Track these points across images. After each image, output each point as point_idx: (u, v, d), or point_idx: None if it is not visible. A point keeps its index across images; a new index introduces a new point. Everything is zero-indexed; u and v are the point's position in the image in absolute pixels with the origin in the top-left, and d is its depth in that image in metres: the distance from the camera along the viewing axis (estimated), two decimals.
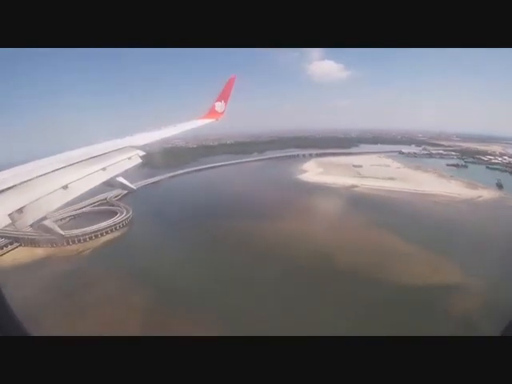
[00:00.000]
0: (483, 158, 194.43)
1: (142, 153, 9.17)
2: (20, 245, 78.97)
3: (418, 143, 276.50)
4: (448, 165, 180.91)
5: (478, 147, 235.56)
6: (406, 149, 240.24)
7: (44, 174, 5.54)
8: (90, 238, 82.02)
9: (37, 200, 4.88)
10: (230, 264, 63.74)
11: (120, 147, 8.78)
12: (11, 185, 4.81)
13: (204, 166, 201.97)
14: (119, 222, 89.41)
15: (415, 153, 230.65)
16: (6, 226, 4.22)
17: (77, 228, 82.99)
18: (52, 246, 77.40)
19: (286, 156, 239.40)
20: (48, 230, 5.36)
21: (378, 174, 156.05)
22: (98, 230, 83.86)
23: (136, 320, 46.03)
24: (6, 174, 5.32)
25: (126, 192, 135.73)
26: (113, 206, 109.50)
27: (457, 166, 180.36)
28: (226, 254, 68.49)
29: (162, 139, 11.52)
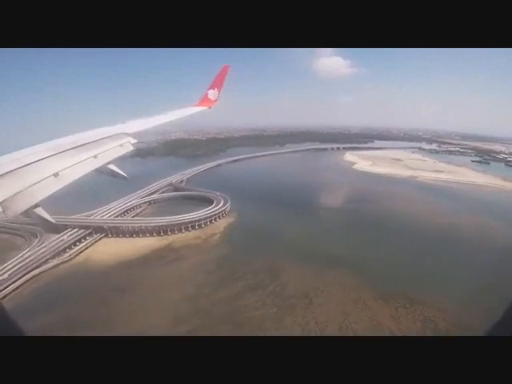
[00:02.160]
0: (498, 156, 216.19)
1: (133, 140, 8.90)
2: (105, 235, 74.20)
3: (421, 140, 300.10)
4: (473, 161, 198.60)
5: (482, 146, 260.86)
6: (418, 145, 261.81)
7: (34, 162, 5.44)
8: (205, 224, 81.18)
9: (27, 188, 4.80)
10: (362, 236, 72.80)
11: (111, 134, 8.57)
12: (1, 173, 4.73)
13: (243, 156, 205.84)
14: (225, 208, 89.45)
15: (435, 149, 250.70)
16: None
17: (156, 215, 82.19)
18: (138, 236, 74.02)
19: (316, 149, 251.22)
20: (39, 218, 5.21)
21: (424, 167, 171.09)
22: (210, 217, 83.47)
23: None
24: None
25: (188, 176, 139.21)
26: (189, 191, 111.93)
27: (480, 162, 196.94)
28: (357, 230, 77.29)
29: (154, 126, 11.24)
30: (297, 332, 40.30)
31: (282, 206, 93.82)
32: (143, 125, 10.73)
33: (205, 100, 16.40)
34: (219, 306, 46.53)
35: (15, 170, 4.98)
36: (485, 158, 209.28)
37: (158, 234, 75.58)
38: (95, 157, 6.93)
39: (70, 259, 63.90)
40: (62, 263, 61.99)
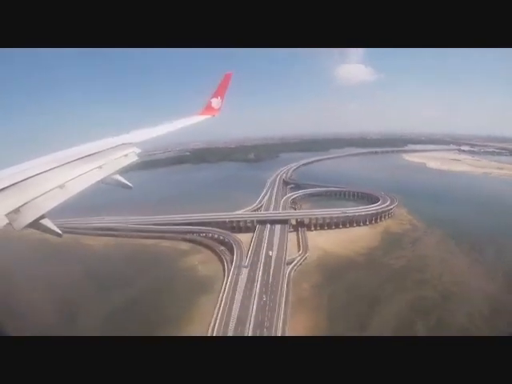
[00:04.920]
0: None
1: (138, 150, 8.97)
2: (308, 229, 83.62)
3: (448, 143, 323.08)
4: None
5: (508, 146, 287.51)
6: (457, 148, 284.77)
7: (40, 174, 5.52)
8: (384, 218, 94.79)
9: (34, 199, 4.84)
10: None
11: (116, 144, 8.69)
12: (7, 185, 4.76)
13: (314, 159, 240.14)
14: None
15: (474, 150, 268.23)
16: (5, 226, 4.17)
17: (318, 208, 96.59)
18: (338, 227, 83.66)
19: (367, 152, 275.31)
20: (46, 229, 5.24)
21: (485, 165, 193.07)
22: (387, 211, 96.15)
23: None
24: (3, 174, 5.27)
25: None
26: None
27: None
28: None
29: (157, 136, 11.31)
30: None
31: (434, 201, 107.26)
32: (148, 134, 10.82)
33: (208, 108, 16.16)
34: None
35: (21, 181, 5.05)
36: None
37: (350, 225, 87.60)
38: (100, 167, 7.01)
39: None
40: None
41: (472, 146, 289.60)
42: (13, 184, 4.85)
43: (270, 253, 69.55)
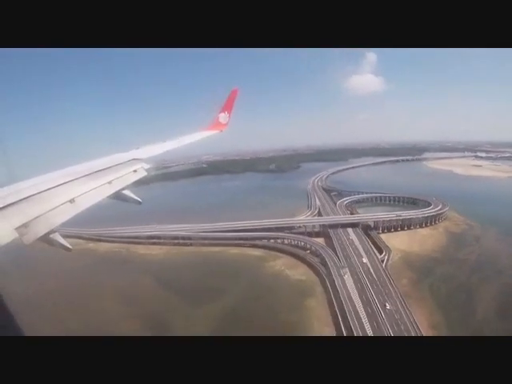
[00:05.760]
0: None
1: (147, 165, 9.16)
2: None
3: (463, 151, 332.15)
4: None
5: None
6: (467, 154, 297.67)
7: (50, 189, 5.62)
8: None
9: (44, 214, 4.91)
10: None
11: (125, 160, 8.86)
12: (18, 199, 4.82)
13: (341, 168, 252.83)
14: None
15: (491, 156, 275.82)
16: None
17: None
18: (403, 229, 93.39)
19: (385, 161, 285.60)
20: (56, 243, 5.36)
21: (508, 170, 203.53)
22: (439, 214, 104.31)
23: None
24: (13, 188, 5.36)
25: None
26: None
27: None
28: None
29: (166, 151, 11.61)
30: None
31: (477, 204, 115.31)
32: (156, 150, 11.10)
33: (216, 124, 16.61)
34: None
35: (32, 196, 5.10)
36: None
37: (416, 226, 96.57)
38: (110, 183, 7.11)
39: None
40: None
41: (486, 152, 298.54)
42: (23, 198, 4.91)
43: (363, 257, 75.27)
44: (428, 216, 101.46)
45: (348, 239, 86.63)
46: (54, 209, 5.13)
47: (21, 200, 4.84)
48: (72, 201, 5.61)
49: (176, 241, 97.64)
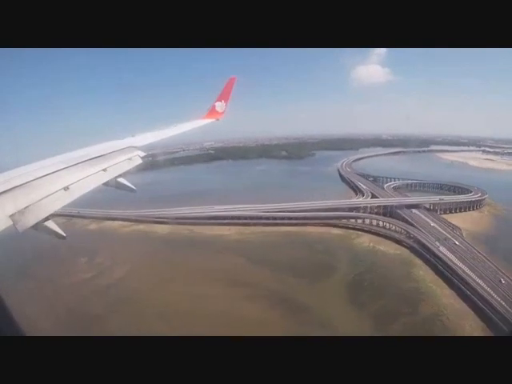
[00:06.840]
0: None
1: (142, 153, 9.16)
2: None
3: (467, 145, 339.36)
4: None
5: None
6: (473, 148, 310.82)
7: (44, 176, 5.58)
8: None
9: (38, 201, 4.89)
10: None
11: (121, 148, 8.86)
12: (12, 186, 4.81)
13: (360, 156, 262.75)
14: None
15: (499, 151, 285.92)
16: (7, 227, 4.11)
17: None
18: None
19: (398, 152, 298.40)
20: (50, 231, 5.37)
21: None
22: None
23: None
24: (7, 175, 5.35)
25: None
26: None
27: None
28: None
29: (162, 139, 11.58)
30: None
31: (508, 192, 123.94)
32: (152, 138, 11.03)
33: (212, 112, 16.71)
34: None
35: (26, 183, 5.08)
36: None
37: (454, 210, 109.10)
38: (105, 170, 7.08)
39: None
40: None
41: (491, 147, 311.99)
42: (18, 185, 4.87)
43: (444, 233, 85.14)
44: (475, 201, 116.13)
45: (420, 219, 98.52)
46: (48, 196, 5.15)
47: (16, 187, 4.86)
48: (66, 188, 5.64)
49: (249, 221, 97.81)
